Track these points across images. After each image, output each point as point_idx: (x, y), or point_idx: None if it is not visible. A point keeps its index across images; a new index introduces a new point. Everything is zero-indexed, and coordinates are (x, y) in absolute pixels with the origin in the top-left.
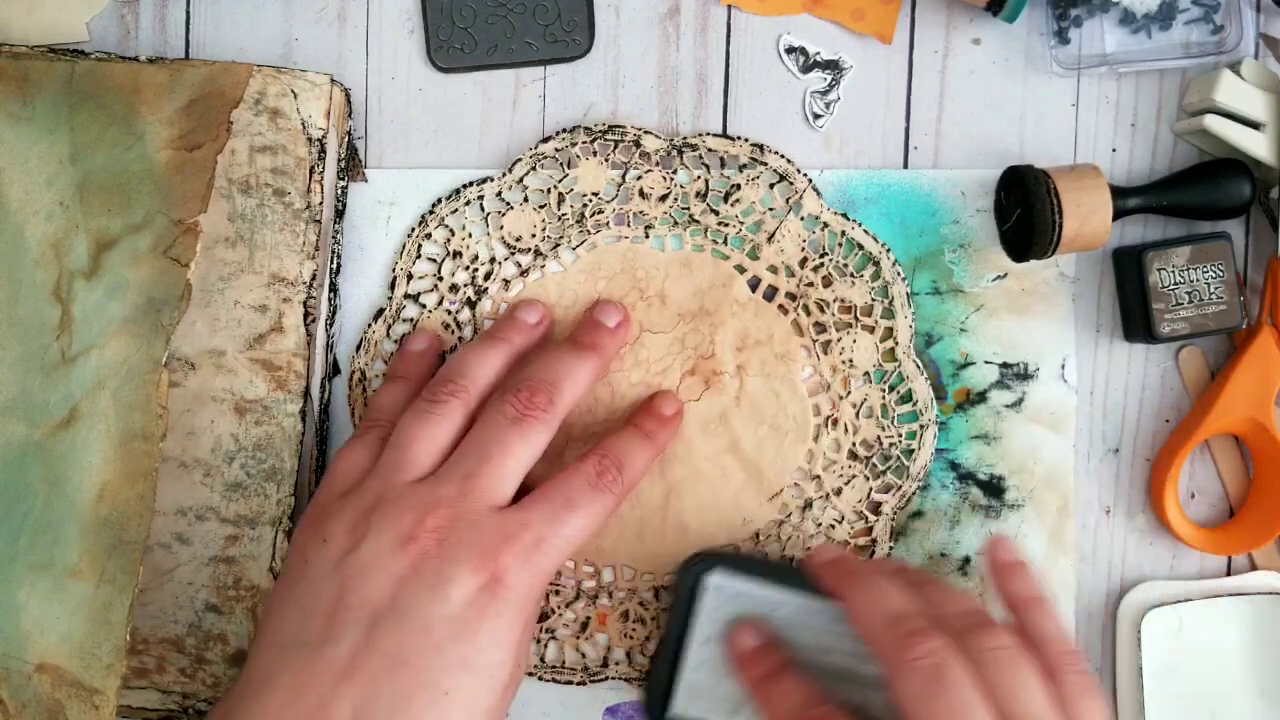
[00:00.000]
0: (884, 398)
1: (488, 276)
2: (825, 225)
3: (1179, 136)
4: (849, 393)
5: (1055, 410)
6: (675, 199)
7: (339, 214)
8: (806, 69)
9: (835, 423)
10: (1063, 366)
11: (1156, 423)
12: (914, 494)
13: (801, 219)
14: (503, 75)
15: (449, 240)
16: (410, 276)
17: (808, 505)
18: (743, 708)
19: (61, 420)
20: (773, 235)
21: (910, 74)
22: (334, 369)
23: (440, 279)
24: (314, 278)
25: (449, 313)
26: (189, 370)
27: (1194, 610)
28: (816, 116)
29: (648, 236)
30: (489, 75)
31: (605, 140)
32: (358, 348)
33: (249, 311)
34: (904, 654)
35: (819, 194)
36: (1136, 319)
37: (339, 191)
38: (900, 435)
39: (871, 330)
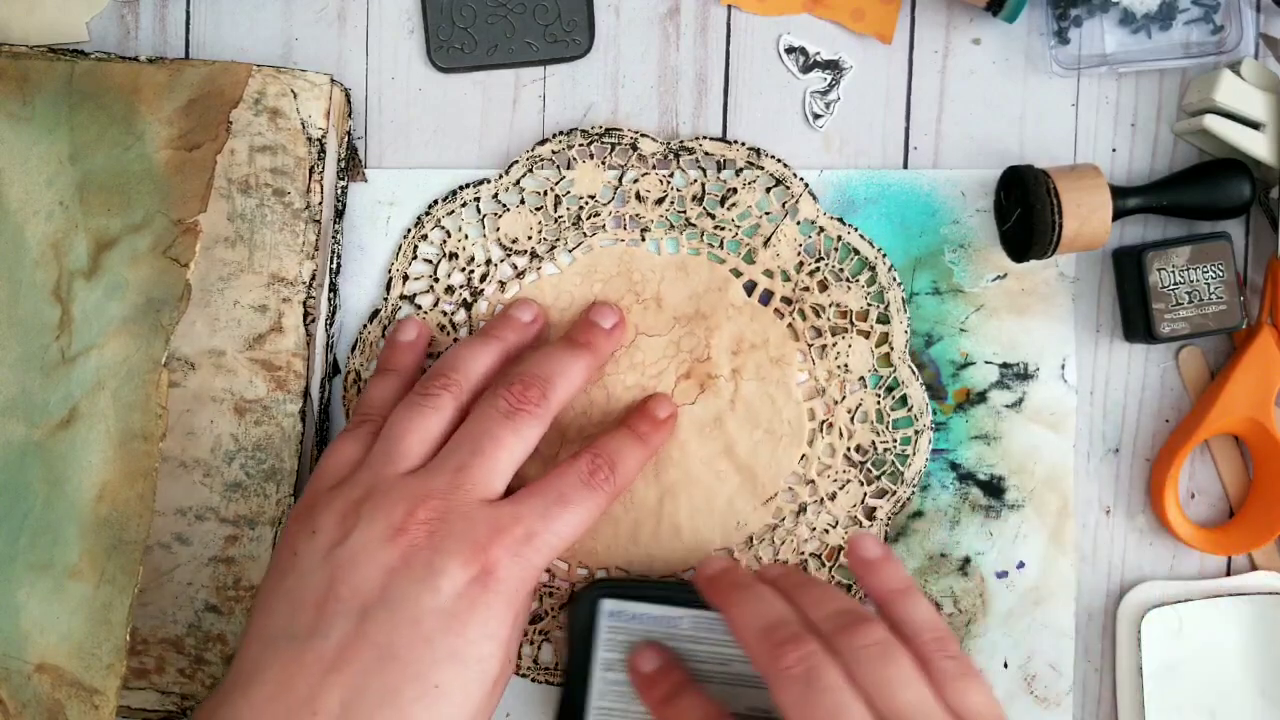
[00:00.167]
0: (879, 403)
1: (484, 278)
2: (821, 230)
3: (1179, 136)
4: (844, 397)
5: (1055, 410)
6: (672, 202)
7: (339, 214)
8: (806, 69)
9: (830, 427)
10: (1063, 366)
11: (1156, 423)
12: (909, 499)
13: (798, 223)
14: (503, 75)
15: (445, 242)
16: (406, 278)
17: (802, 510)
18: None
19: (61, 420)
20: (769, 239)
21: (910, 74)
22: (334, 369)
23: (436, 280)
24: (314, 278)
25: (445, 314)
26: (189, 370)
27: (1194, 610)
28: (816, 116)
29: (644, 239)
30: (489, 75)
31: (602, 143)
32: (353, 348)
33: (249, 311)
34: (778, 663)
35: (815, 198)
36: (1136, 319)
37: (339, 191)
38: (895, 440)
39: (867, 335)
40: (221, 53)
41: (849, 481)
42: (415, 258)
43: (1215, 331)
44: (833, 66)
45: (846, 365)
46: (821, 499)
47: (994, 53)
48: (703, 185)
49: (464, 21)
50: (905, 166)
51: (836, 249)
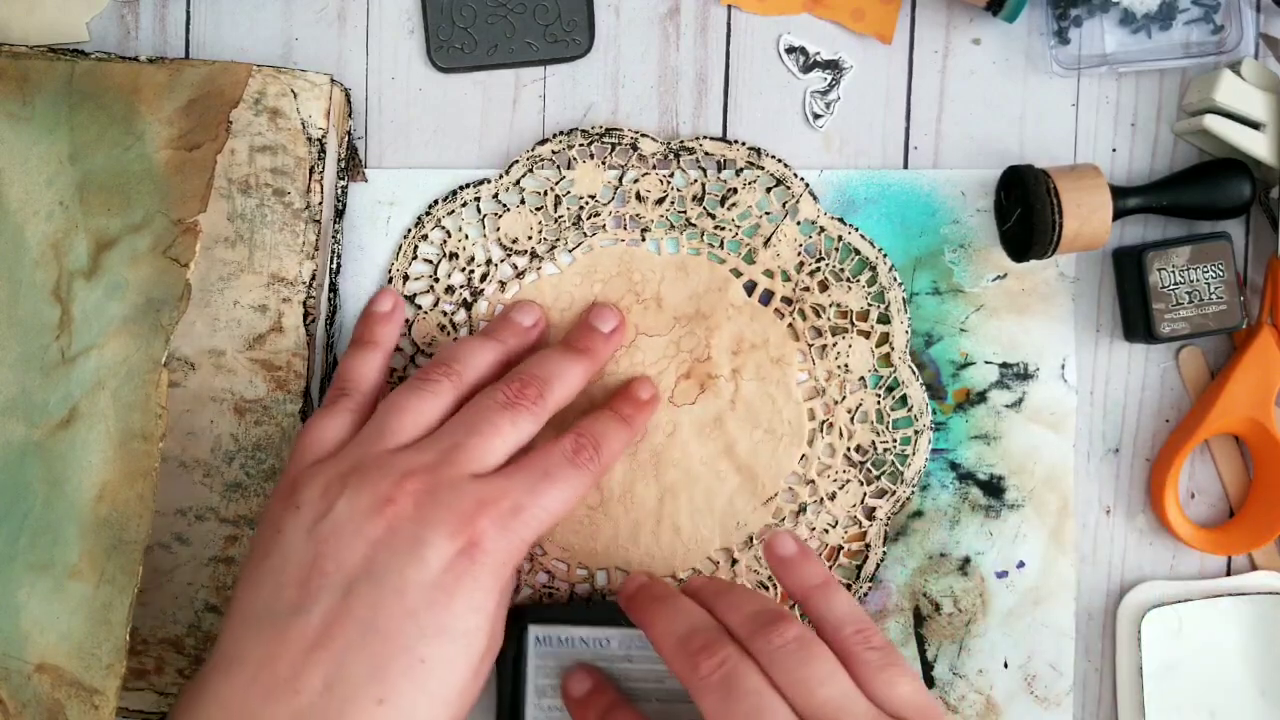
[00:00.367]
0: (879, 403)
1: (484, 278)
2: (822, 230)
3: (1179, 136)
4: (844, 397)
5: (1055, 410)
6: (672, 202)
7: (339, 214)
8: (806, 69)
9: (830, 427)
10: (1063, 366)
11: (1156, 423)
12: (908, 499)
13: (798, 223)
14: (503, 75)
15: (445, 242)
16: (406, 278)
17: (802, 509)
18: None
19: (61, 420)
20: (769, 239)
21: (910, 74)
22: (334, 369)
23: (436, 280)
24: (314, 278)
25: (445, 314)
26: (189, 370)
27: (1194, 610)
28: (816, 116)
29: (644, 239)
30: (489, 75)
31: (602, 143)
32: None
33: (249, 311)
34: (696, 672)
35: (816, 198)
36: (1136, 319)
37: (339, 191)
38: (895, 440)
39: (867, 335)
40: (221, 53)
41: (849, 481)
42: (415, 258)
43: (1215, 331)
44: (833, 66)
45: (846, 365)
46: (821, 499)
47: (994, 53)
48: (703, 185)
49: (464, 21)
50: (905, 166)
51: (837, 249)
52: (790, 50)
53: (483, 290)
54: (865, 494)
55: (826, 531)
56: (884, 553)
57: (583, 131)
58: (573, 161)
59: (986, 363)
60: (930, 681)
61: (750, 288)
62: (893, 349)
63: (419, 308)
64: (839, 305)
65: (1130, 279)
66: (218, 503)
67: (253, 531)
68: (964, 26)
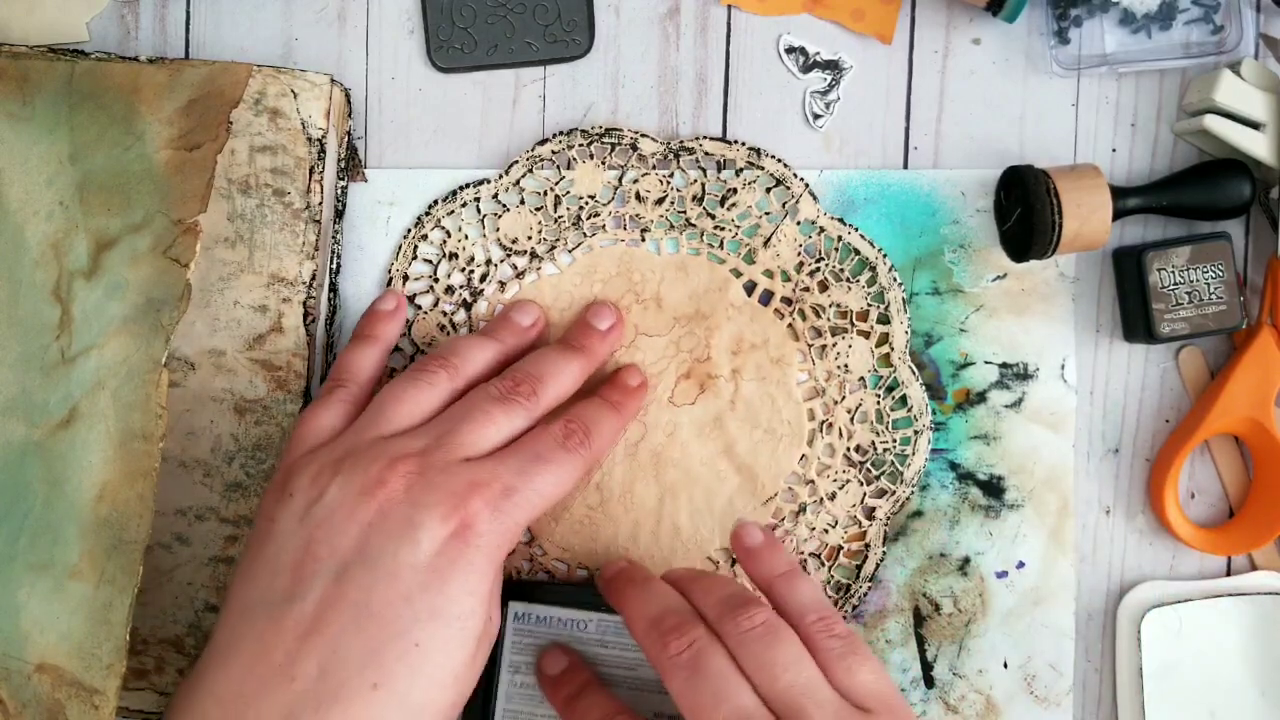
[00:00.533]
0: (879, 403)
1: (484, 279)
2: (822, 230)
3: (1179, 136)
4: (844, 397)
5: (1055, 410)
6: (672, 202)
7: (339, 214)
8: (806, 69)
9: (830, 427)
10: (1062, 366)
11: (1156, 423)
12: (908, 499)
13: (798, 223)
14: (503, 75)
15: (445, 242)
16: (406, 278)
17: (802, 510)
18: None
19: (61, 420)
20: (769, 239)
21: (910, 74)
22: None
23: (436, 280)
24: (314, 278)
25: (445, 314)
26: (189, 370)
27: (1194, 610)
28: (816, 116)
29: (644, 240)
30: (489, 75)
31: (602, 143)
32: None
33: (249, 311)
34: (665, 652)
35: (815, 198)
36: (1136, 319)
37: (339, 191)
38: (895, 440)
39: (867, 335)
40: (221, 53)
41: (849, 481)
42: (415, 258)
43: (1215, 331)
44: (833, 66)
45: (846, 365)
46: (821, 499)
47: (994, 53)
48: (703, 185)
49: (464, 21)
50: (905, 166)
51: (837, 249)
52: (790, 50)
53: (482, 290)
54: (865, 494)
55: (826, 531)
56: (884, 552)
57: (582, 131)
58: (572, 161)
59: (986, 363)
60: (930, 681)
61: (750, 288)
62: (892, 349)
63: (419, 308)
64: (839, 305)
65: (1130, 279)
66: (218, 503)
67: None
68: (964, 26)
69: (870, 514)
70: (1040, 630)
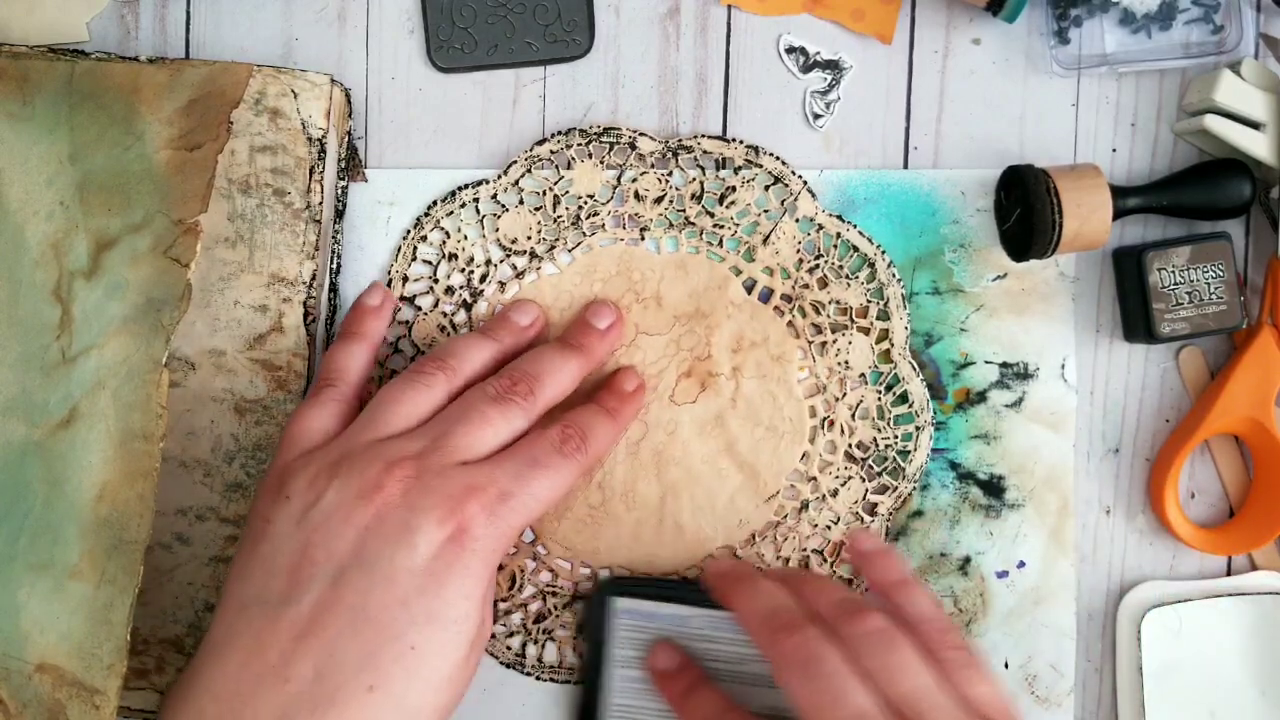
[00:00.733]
0: (880, 399)
1: (483, 279)
2: (821, 227)
3: (1179, 136)
4: (845, 394)
5: (1055, 410)
6: (671, 201)
7: (339, 214)
8: (806, 69)
9: (831, 424)
10: (1063, 366)
11: (1156, 423)
12: (910, 495)
13: (797, 221)
14: (503, 75)
15: (445, 243)
16: (406, 279)
17: (804, 507)
18: None
19: (61, 420)
20: (768, 237)
21: (910, 74)
22: None
23: (436, 281)
24: (314, 278)
25: (445, 315)
26: (189, 370)
27: (1194, 610)
28: (816, 116)
29: (643, 239)
30: (489, 75)
31: (601, 142)
32: None
33: (249, 311)
34: (780, 647)
35: (814, 196)
36: (1136, 319)
37: (339, 191)
38: (896, 437)
39: (867, 332)
40: (221, 53)
41: (850, 478)
42: (414, 259)
43: (1215, 331)
44: (833, 66)
45: (847, 362)
46: (823, 495)
47: (994, 53)
48: (701, 184)
49: (464, 21)
50: (905, 166)
51: (836, 246)
52: (790, 50)
53: (482, 291)
54: (867, 490)
55: (829, 528)
56: None
57: (581, 131)
58: (571, 161)
59: (986, 362)
60: None
61: (750, 285)
62: (892, 345)
63: (419, 309)
64: (838, 302)
65: (1130, 279)
66: (218, 503)
67: None
68: (964, 26)
69: (872, 510)
70: (1041, 630)
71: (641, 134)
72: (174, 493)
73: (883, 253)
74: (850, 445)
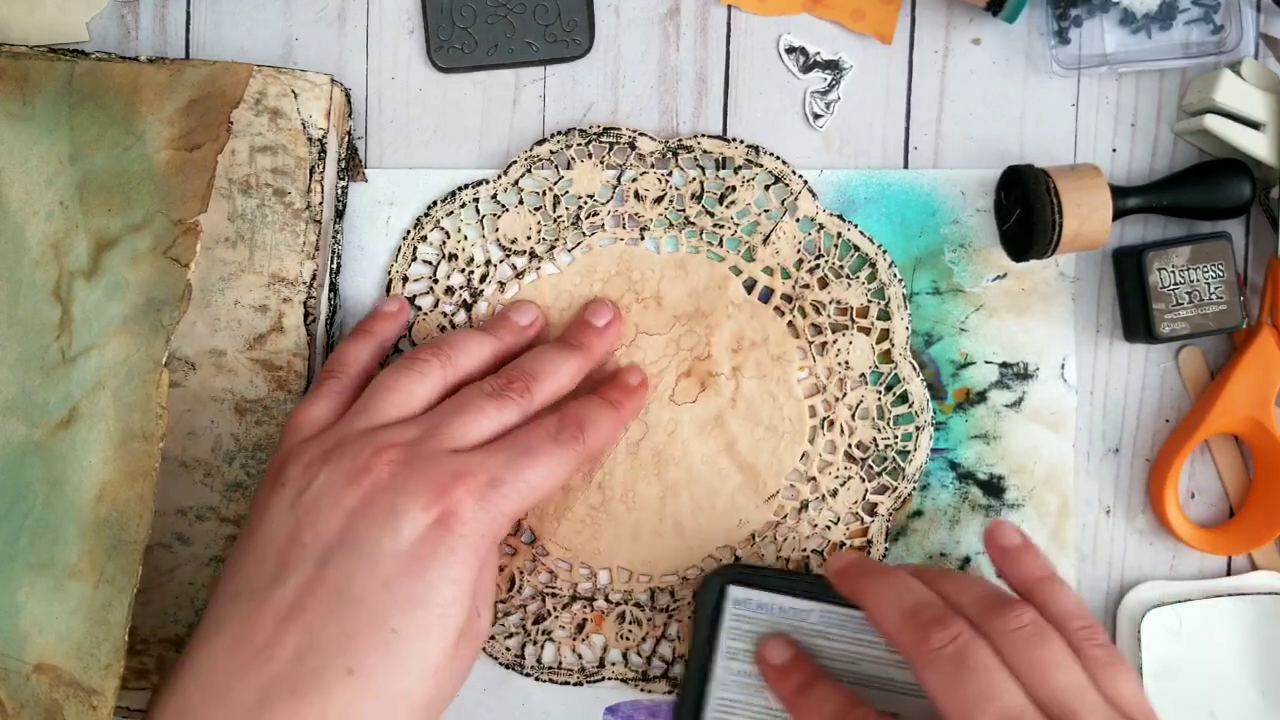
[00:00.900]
0: (880, 399)
1: (483, 279)
2: (821, 227)
3: (1179, 136)
4: (845, 394)
5: (1055, 410)
6: (671, 201)
7: (339, 214)
8: (806, 69)
9: (831, 424)
10: (1062, 366)
11: (1156, 423)
12: (910, 495)
13: (797, 220)
14: (503, 75)
15: (444, 243)
16: (406, 279)
17: (804, 507)
18: None
19: (61, 420)
20: (768, 237)
21: (910, 74)
22: None
23: (436, 281)
24: (314, 278)
25: (445, 315)
26: (189, 370)
27: (1194, 610)
28: (816, 116)
29: (643, 238)
30: (489, 75)
31: (601, 142)
32: None
33: (249, 311)
34: (925, 644)
35: (815, 195)
36: (1136, 319)
37: (339, 191)
38: (896, 437)
39: (867, 332)
40: (222, 53)
41: (850, 478)
42: (414, 259)
43: (1215, 331)
44: (833, 66)
45: (847, 362)
46: (823, 495)
47: (994, 53)
48: (701, 183)
49: (464, 21)
50: (905, 166)
51: (836, 246)
52: (790, 50)
53: (482, 291)
54: (867, 490)
55: (829, 528)
56: (886, 549)
57: (580, 131)
58: (571, 161)
59: (986, 362)
60: None
61: (750, 285)
62: (893, 345)
63: (419, 309)
64: (839, 302)
65: (1130, 279)
66: (218, 502)
67: None
68: (964, 26)
69: (872, 510)
70: None
71: (641, 134)
72: (174, 493)
73: (884, 252)
74: (850, 445)
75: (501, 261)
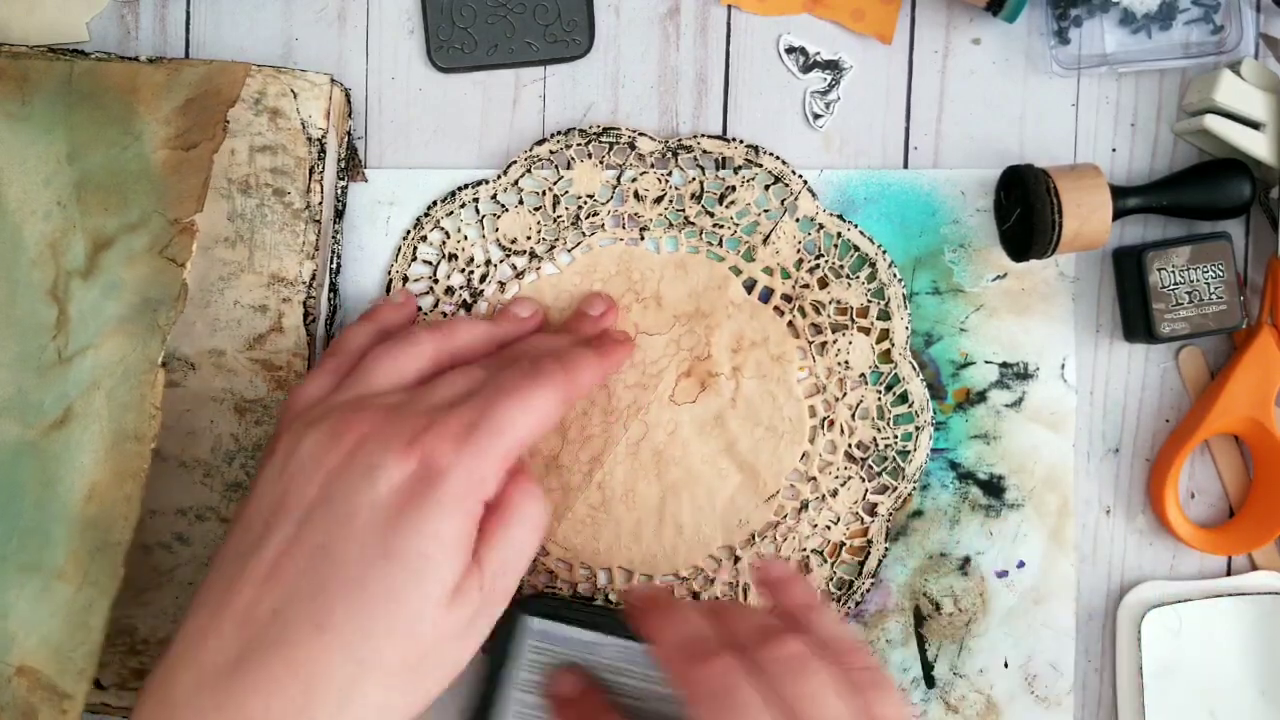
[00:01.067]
0: (880, 399)
1: (483, 279)
2: (821, 227)
3: (1179, 136)
4: (845, 394)
5: (1055, 410)
6: (670, 201)
7: (339, 214)
8: (806, 69)
9: (831, 424)
10: (1062, 366)
11: (1156, 423)
12: (910, 495)
13: (797, 220)
14: (503, 75)
15: (444, 243)
16: (406, 279)
17: (804, 507)
18: None
19: (56, 420)
20: (768, 237)
21: (910, 74)
22: None
23: (436, 281)
24: (314, 278)
25: (445, 315)
26: (189, 370)
27: (1194, 610)
28: (816, 116)
29: (643, 238)
30: (489, 75)
31: (600, 142)
32: None
33: (249, 311)
34: (691, 676)
35: (814, 195)
36: (1136, 319)
37: (339, 191)
38: (896, 437)
39: (867, 332)
40: (221, 53)
41: (850, 478)
42: (415, 259)
43: (1215, 331)
44: (833, 66)
45: (847, 362)
46: (823, 495)
47: (994, 53)
48: (701, 183)
49: (464, 21)
50: (905, 166)
51: (836, 246)
52: (790, 50)
53: (482, 291)
54: (867, 490)
55: (829, 528)
56: (886, 548)
57: (580, 131)
58: (571, 161)
59: (986, 362)
60: (930, 681)
61: (750, 285)
62: (893, 345)
63: (419, 309)
64: (839, 302)
65: (1130, 279)
66: (218, 502)
67: None
68: (964, 26)
69: (872, 510)
70: (1041, 630)
71: (641, 134)
72: (174, 493)
73: (884, 252)
74: (850, 445)
75: (501, 261)
